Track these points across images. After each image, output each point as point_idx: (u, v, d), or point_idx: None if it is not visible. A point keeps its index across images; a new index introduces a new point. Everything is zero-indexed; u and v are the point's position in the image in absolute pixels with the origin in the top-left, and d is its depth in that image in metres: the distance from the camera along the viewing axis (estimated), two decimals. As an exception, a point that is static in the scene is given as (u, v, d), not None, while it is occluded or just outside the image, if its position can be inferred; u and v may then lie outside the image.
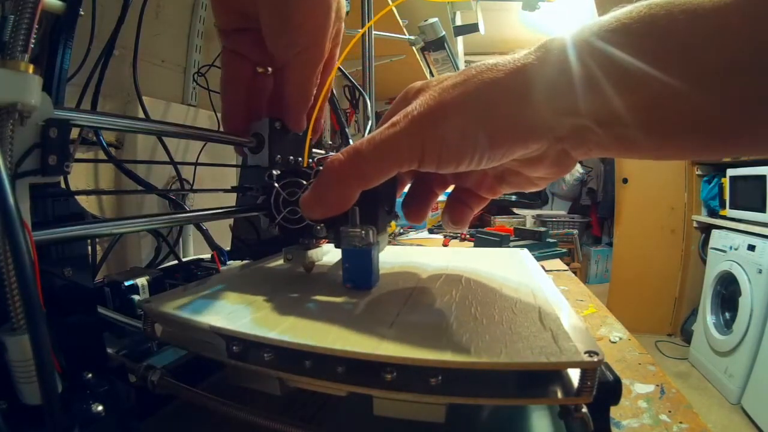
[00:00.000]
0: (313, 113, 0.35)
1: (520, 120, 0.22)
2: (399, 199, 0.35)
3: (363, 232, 0.27)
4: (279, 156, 0.34)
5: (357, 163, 0.24)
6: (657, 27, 0.18)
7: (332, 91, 0.46)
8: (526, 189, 0.30)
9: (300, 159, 0.37)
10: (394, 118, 0.24)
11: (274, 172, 0.33)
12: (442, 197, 0.35)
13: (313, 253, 0.35)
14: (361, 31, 0.78)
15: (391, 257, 0.40)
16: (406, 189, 0.35)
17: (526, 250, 0.43)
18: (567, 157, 0.25)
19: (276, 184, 0.32)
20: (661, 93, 0.19)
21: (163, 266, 0.59)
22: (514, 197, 3.13)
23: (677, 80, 0.18)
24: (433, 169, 0.24)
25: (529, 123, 0.22)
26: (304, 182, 0.32)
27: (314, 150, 0.41)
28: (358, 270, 0.29)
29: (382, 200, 0.30)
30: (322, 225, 0.30)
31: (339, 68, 0.48)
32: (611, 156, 0.24)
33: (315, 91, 0.33)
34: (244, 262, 0.28)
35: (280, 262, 0.37)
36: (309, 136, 0.36)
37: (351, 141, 0.58)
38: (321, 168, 0.26)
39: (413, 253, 0.44)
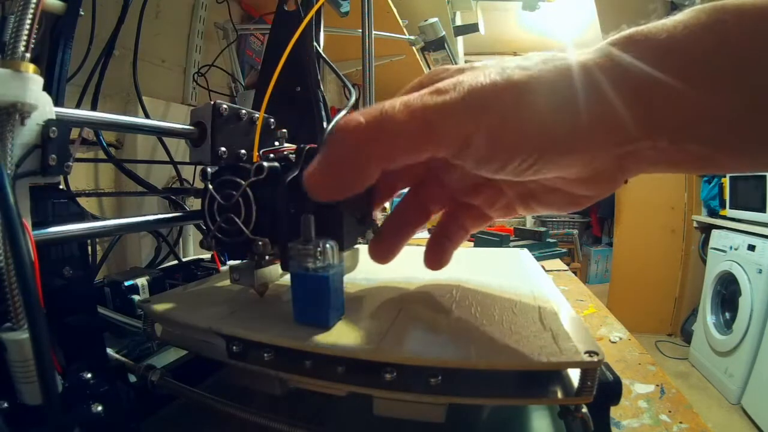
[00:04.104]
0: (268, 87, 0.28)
1: (595, 122, 0.17)
2: (396, 199, 0.29)
3: (319, 249, 0.20)
4: (224, 149, 0.28)
5: (385, 132, 0.18)
6: None
7: (321, 90, 0.45)
8: (563, 210, 0.24)
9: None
10: (438, 85, 0.18)
11: (209, 169, 0.26)
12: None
13: (266, 272, 0.26)
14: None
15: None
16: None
17: (526, 250, 0.43)
18: (622, 174, 0.20)
19: (210, 185, 0.25)
20: None
21: (163, 266, 0.59)
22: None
23: None
24: (469, 164, 0.19)
25: (605, 128, 0.17)
26: (242, 182, 0.24)
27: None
28: (311, 302, 0.22)
29: (348, 204, 0.23)
30: (264, 240, 0.23)
31: (326, 61, 0.47)
32: (672, 172, 0.20)
33: None
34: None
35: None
36: (260, 120, 0.29)
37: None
38: (331, 134, 0.19)
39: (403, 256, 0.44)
